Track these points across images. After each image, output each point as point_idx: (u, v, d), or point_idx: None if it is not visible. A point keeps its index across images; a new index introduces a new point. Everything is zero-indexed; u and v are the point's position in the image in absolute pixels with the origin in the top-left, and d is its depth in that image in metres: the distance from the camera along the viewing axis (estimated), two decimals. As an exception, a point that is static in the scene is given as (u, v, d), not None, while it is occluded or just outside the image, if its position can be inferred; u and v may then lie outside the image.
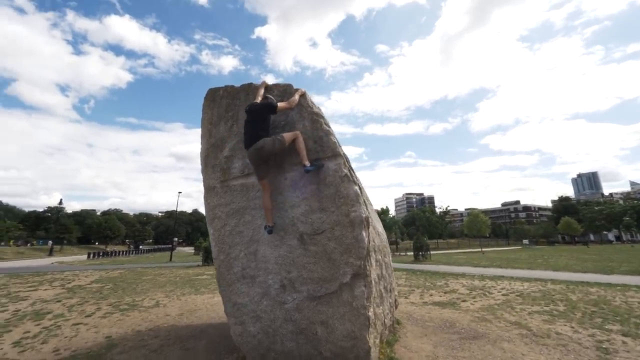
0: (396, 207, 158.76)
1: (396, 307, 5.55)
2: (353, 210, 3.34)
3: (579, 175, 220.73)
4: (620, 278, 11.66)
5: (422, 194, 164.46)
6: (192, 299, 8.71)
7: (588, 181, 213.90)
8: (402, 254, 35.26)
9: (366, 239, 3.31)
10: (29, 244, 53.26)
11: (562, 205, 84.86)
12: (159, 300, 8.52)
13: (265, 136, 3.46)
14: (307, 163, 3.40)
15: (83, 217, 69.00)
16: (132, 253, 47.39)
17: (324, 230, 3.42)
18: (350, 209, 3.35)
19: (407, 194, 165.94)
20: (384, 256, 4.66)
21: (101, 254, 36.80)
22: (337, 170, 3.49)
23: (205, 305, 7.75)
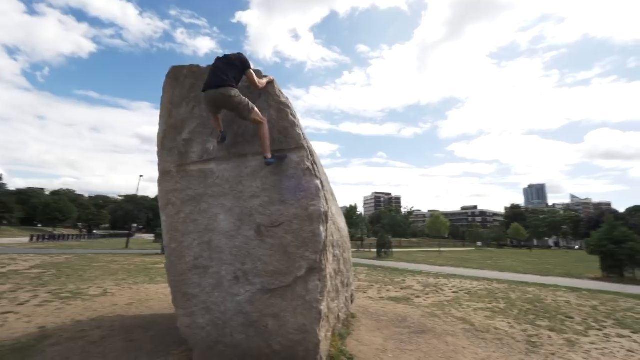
0: (365, 205, 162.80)
1: (352, 302, 5.68)
2: (312, 204, 3.32)
3: (530, 186, 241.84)
4: (554, 279, 12.97)
5: (389, 194, 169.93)
6: (144, 288, 8.27)
7: (537, 192, 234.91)
8: (366, 250, 36.27)
9: (323, 234, 3.31)
10: (-42, 223, 47.35)
11: (513, 212, 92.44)
12: (107, 288, 7.97)
13: (235, 87, 3.31)
14: (269, 155, 3.32)
15: (28, 196, 62.48)
16: (85, 238, 44.01)
17: (282, 222, 3.37)
18: (309, 202, 3.33)
19: (376, 193, 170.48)
20: (342, 251, 4.72)
21: (47, 237, 33.76)
22: (300, 163, 3.44)
23: (159, 295, 7.39)
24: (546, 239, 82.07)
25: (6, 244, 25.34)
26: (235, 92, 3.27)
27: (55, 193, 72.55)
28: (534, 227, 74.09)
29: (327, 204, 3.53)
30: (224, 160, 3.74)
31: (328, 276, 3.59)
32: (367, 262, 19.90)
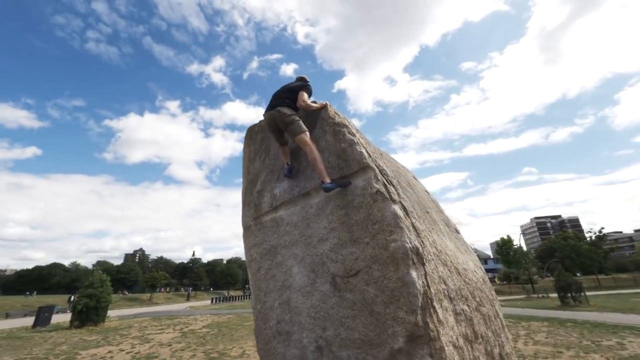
0: (525, 235, 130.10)
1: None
2: (392, 239, 2.35)
3: None
4: None
5: (559, 216, 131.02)
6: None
7: None
8: (541, 296, 27.38)
9: (419, 282, 2.22)
10: (176, 290, 65.77)
11: None
12: (247, 349, 8.43)
13: (290, 107, 3.30)
14: (327, 180, 2.71)
15: (213, 266, 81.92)
16: (247, 298, 52.24)
17: (359, 270, 2.50)
18: (388, 237, 2.38)
19: (536, 218, 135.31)
20: (477, 305, 3.21)
21: (221, 299, 41.80)
22: (366, 187, 2.63)
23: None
24: None
25: (195, 307, 32.70)
26: (289, 110, 3.24)
27: (229, 261, 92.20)
28: None
29: (418, 236, 2.47)
30: (291, 204, 3.34)
31: (452, 347, 2.32)
32: (546, 313, 14.52)
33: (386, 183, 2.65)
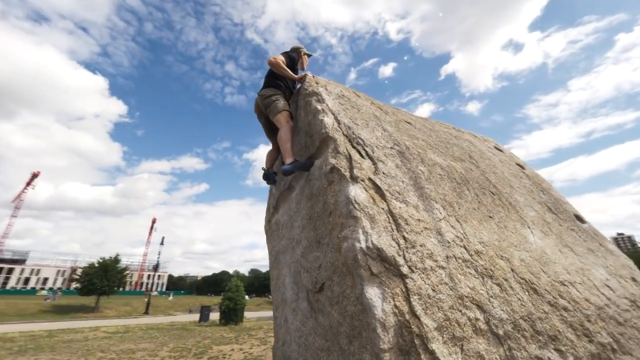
0: None
1: None
2: (343, 236, 1.51)
3: None
4: None
5: None
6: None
7: None
8: None
9: (383, 306, 1.30)
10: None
11: None
12: None
13: (272, 87, 2.75)
14: (288, 160, 2.12)
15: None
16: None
17: (323, 282, 1.74)
18: (339, 234, 1.55)
19: None
20: (601, 350, 1.77)
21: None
22: (322, 165, 1.86)
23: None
24: None
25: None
26: (270, 90, 2.71)
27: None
28: None
29: (396, 229, 1.52)
30: (283, 202, 2.82)
31: None
32: None
33: (350, 155, 1.80)
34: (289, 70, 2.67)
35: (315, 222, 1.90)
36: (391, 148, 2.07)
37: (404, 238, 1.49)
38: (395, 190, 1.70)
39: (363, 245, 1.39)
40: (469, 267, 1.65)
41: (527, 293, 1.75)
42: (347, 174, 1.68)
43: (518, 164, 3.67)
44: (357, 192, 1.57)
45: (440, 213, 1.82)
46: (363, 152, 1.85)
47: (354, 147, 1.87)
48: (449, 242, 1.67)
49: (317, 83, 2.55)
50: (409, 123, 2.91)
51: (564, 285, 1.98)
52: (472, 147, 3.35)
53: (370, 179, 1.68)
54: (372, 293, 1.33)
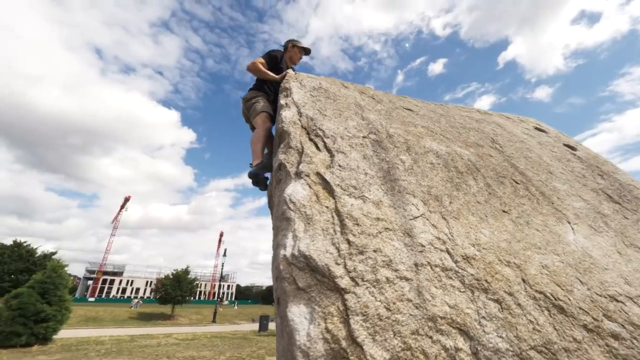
0: None
1: None
2: (276, 242, 1.29)
3: None
4: None
5: None
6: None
7: None
8: None
9: (309, 329, 1.04)
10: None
11: None
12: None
13: (254, 89, 2.62)
14: (255, 162, 1.99)
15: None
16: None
17: (278, 297, 1.52)
18: (274, 240, 1.33)
19: None
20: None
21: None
22: (275, 162, 1.65)
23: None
24: None
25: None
26: (251, 94, 2.59)
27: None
28: None
29: (340, 231, 1.23)
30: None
31: None
32: None
33: (302, 149, 1.56)
34: (269, 73, 2.55)
35: (275, 228, 1.70)
36: (364, 137, 1.77)
37: (348, 242, 1.20)
38: (349, 185, 1.41)
39: (288, 252, 1.15)
40: (450, 278, 1.27)
41: (545, 312, 1.27)
42: (293, 170, 1.46)
43: (567, 145, 2.93)
44: (295, 190, 1.34)
45: (418, 209, 1.46)
46: (321, 144, 1.60)
47: (310, 139, 1.63)
48: (422, 246, 1.31)
49: (296, 79, 2.38)
50: (409, 110, 2.53)
51: (617, 301, 1.41)
52: (497, 130, 2.78)
53: (318, 174, 1.42)
54: (296, 313, 1.07)
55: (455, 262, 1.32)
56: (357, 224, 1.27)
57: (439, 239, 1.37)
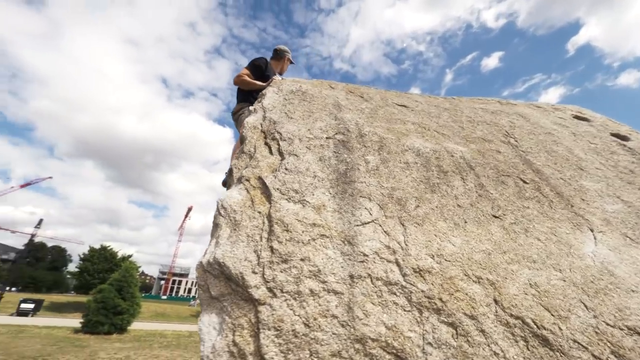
0: None
1: None
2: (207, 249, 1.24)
3: None
4: None
5: None
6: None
7: None
8: None
9: (212, 342, 0.97)
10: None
11: None
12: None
13: (241, 101, 2.70)
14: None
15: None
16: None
17: (232, 305, 1.47)
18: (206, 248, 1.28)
19: None
20: None
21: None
22: (229, 166, 1.62)
23: None
24: None
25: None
26: (238, 106, 2.71)
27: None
28: None
29: (267, 238, 1.15)
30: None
31: None
32: None
33: (254, 153, 1.51)
34: (256, 82, 2.59)
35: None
36: (327, 138, 1.65)
37: (271, 249, 1.11)
38: (290, 189, 1.31)
39: (204, 259, 1.10)
40: (394, 294, 1.09)
41: (520, 343, 1.01)
42: (238, 174, 1.42)
43: (616, 135, 2.36)
44: (230, 195, 1.29)
45: (370, 214, 1.29)
46: (274, 148, 1.54)
47: (266, 143, 1.58)
48: (364, 255, 1.15)
49: (276, 84, 2.37)
50: (403, 106, 2.32)
51: (638, 334, 1.05)
52: (517, 122, 2.38)
53: (259, 178, 1.36)
54: (206, 322, 1.02)
55: (404, 275, 1.13)
56: (287, 230, 1.17)
57: (388, 247, 1.20)
